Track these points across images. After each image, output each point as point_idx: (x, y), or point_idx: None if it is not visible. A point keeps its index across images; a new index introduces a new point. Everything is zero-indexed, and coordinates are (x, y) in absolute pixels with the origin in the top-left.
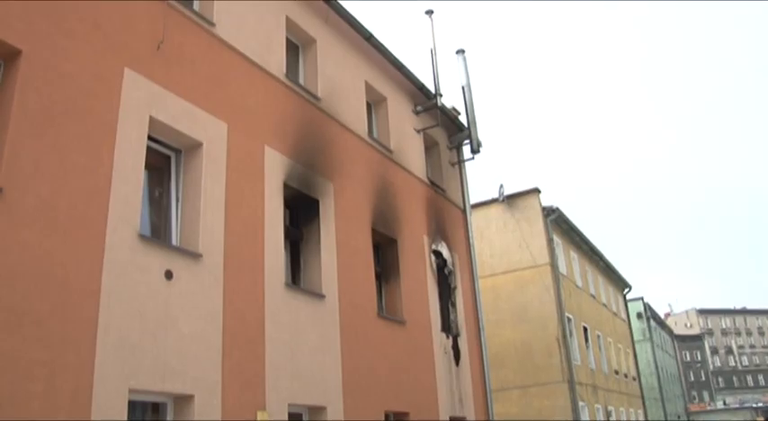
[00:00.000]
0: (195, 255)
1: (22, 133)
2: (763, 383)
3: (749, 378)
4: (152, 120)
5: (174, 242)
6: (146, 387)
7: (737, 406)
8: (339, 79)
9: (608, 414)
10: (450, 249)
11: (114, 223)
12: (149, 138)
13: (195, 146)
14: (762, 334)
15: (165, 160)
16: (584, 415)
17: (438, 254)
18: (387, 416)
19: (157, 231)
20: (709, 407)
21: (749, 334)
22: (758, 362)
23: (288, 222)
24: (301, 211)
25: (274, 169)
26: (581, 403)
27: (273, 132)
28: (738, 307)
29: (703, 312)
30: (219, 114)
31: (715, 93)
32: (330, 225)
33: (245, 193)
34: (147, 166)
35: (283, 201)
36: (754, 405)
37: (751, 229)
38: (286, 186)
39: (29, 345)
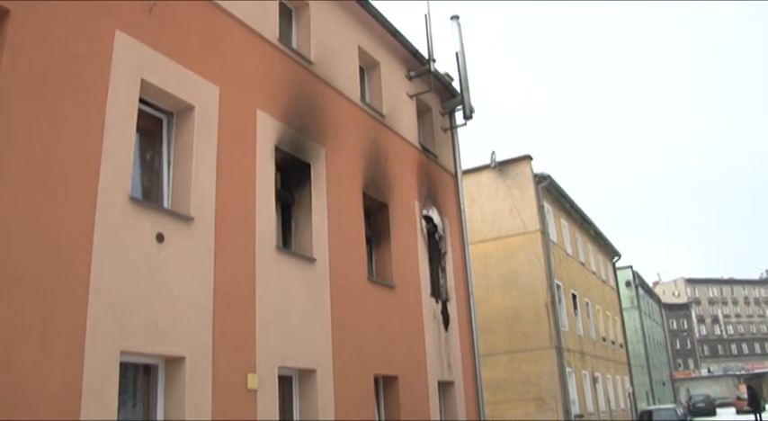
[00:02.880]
0: (186, 218)
1: (11, 95)
2: (747, 352)
3: (733, 346)
4: (144, 83)
5: (165, 205)
6: (137, 349)
7: (721, 373)
8: (332, 44)
9: (594, 380)
10: (440, 215)
11: (106, 186)
12: (141, 101)
13: (187, 109)
14: (748, 304)
15: (156, 123)
16: (571, 380)
17: (429, 219)
18: (376, 379)
19: (149, 194)
20: (693, 375)
21: (735, 303)
22: (743, 331)
23: (279, 186)
24: (293, 175)
25: (266, 133)
26: (568, 369)
27: (265, 96)
28: (726, 277)
29: (691, 282)
30: (212, 78)
31: (711, 64)
32: (321, 189)
33: (237, 157)
34: (139, 129)
35: (275, 164)
36: (738, 373)
37: (741, 201)
38: (278, 150)
39: (20, 308)
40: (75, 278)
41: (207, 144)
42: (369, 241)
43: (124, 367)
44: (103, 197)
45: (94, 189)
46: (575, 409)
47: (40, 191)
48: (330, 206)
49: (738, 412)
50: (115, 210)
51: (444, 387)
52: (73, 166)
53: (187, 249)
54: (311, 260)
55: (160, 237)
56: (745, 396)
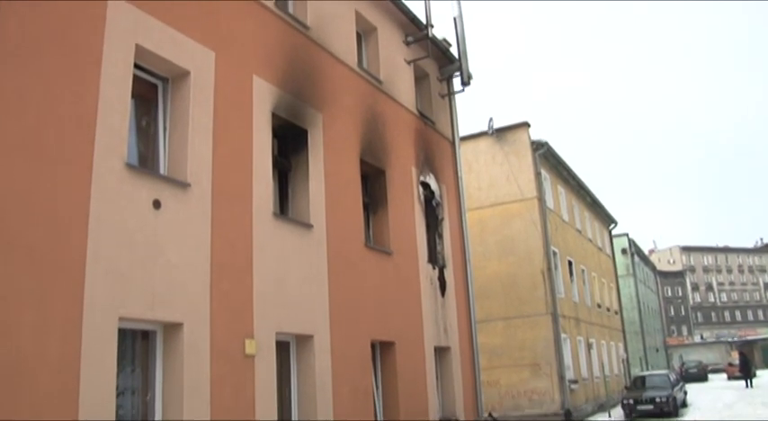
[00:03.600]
0: (183, 185)
1: (3, 61)
2: (740, 319)
3: (727, 314)
4: (138, 49)
5: (161, 171)
6: (135, 315)
7: (714, 340)
8: (329, 8)
9: (589, 346)
10: (438, 181)
11: (101, 152)
12: (136, 66)
13: (183, 74)
14: (742, 272)
15: (152, 89)
16: (566, 346)
17: (426, 185)
18: (373, 344)
19: (145, 161)
20: (686, 341)
21: (729, 271)
22: (736, 298)
23: (276, 152)
24: (290, 141)
25: (263, 99)
26: (563, 335)
27: (262, 61)
28: (721, 245)
29: (686, 249)
30: (207, 43)
31: (710, 33)
32: (318, 155)
33: (233, 123)
34: (134, 95)
35: (272, 130)
36: (730, 339)
37: (738, 170)
38: (274, 116)
39: (17, 275)
40: (71, 245)
41: (203, 110)
42: (366, 207)
43: (123, 333)
44: (99, 164)
45: (90, 155)
46: (569, 375)
47: (34, 157)
48: (327, 172)
49: (729, 378)
50: (111, 177)
51: (441, 352)
52: (68, 133)
53: (184, 216)
54: (308, 226)
55: (157, 204)
56: (737, 362)
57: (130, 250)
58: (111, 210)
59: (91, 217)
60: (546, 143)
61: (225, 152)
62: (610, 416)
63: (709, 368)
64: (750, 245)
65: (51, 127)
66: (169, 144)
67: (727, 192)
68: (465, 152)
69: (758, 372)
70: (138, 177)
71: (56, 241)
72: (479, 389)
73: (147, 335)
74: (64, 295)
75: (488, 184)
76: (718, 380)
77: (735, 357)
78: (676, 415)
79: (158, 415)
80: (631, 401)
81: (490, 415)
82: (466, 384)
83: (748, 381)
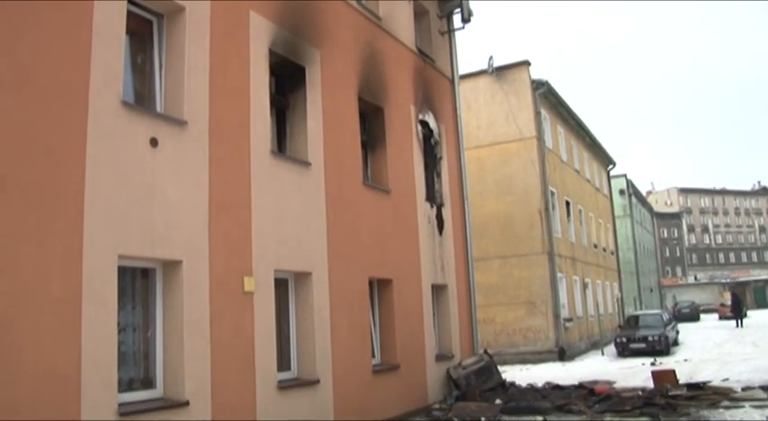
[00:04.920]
0: (180, 122)
1: None
2: (734, 261)
3: (721, 255)
4: None
5: (158, 109)
6: (134, 253)
7: (707, 281)
8: None
9: (584, 285)
10: (436, 119)
11: (96, 89)
12: (130, 1)
13: (178, 10)
14: (738, 214)
15: (146, 25)
16: (562, 286)
17: (425, 124)
18: (371, 282)
19: (141, 98)
20: (680, 282)
21: (726, 213)
22: (731, 240)
23: (273, 90)
24: (287, 79)
25: (259, 35)
26: (559, 274)
27: None
28: (718, 187)
29: (684, 191)
30: None
31: None
32: (316, 93)
33: (230, 60)
34: (129, 32)
35: (269, 68)
36: (723, 280)
37: (739, 113)
38: (272, 53)
39: (16, 213)
40: (69, 183)
41: (199, 46)
42: (364, 145)
43: (122, 271)
44: (95, 101)
45: (85, 93)
46: (564, 313)
47: (28, 95)
48: (325, 110)
49: (721, 318)
50: (107, 115)
51: (438, 290)
52: (61, 69)
53: (181, 154)
54: (306, 164)
55: (154, 142)
56: (729, 303)
57: (128, 188)
58: (107, 148)
59: (88, 155)
60: (546, 82)
61: (222, 89)
62: (603, 353)
63: (702, 308)
64: (748, 187)
65: (44, 64)
66: (165, 81)
67: (727, 135)
68: (464, 91)
69: (749, 313)
70: (134, 115)
71: (53, 179)
72: (475, 326)
73: (146, 273)
74: (63, 233)
75: (487, 123)
76: (709, 320)
77: (727, 298)
78: (668, 353)
79: (159, 351)
80: (624, 340)
81: (485, 352)
82: (462, 322)
83: (739, 321)
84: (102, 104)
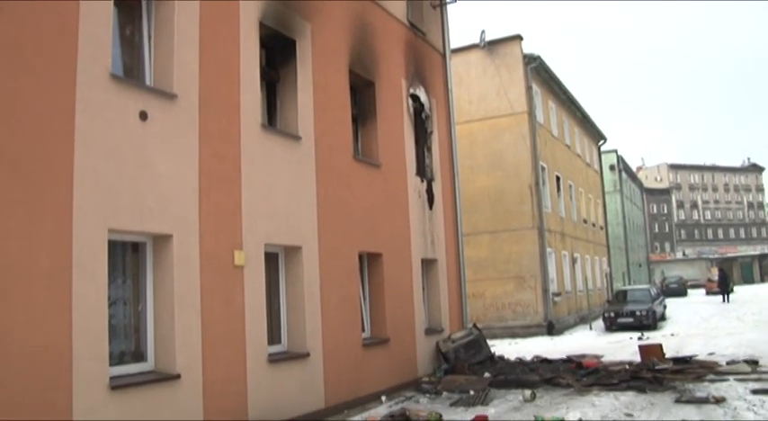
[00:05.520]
0: (170, 96)
1: None
2: (722, 236)
3: (709, 231)
4: None
5: (147, 82)
6: (124, 227)
7: (695, 257)
8: None
9: (574, 260)
10: (427, 93)
11: (84, 62)
12: None
13: None
14: (727, 190)
15: None
16: (551, 260)
17: (415, 98)
18: (361, 256)
19: (130, 71)
20: (668, 258)
21: (715, 190)
22: (720, 216)
23: (264, 63)
24: (278, 52)
25: (250, 7)
26: (549, 249)
27: None
28: (708, 163)
29: (674, 167)
30: None
31: None
32: (307, 66)
33: (220, 32)
34: (117, 3)
35: (259, 40)
36: (711, 256)
37: (729, 89)
38: (262, 25)
39: (4, 185)
40: (58, 157)
41: (188, 18)
42: (355, 119)
43: (113, 245)
44: (83, 74)
45: (73, 65)
46: (553, 288)
47: (15, 67)
48: (316, 83)
49: (708, 293)
50: (96, 88)
51: (427, 264)
52: (48, 41)
53: (171, 127)
54: (297, 138)
55: (143, 116)
56: (716, 278)
57: (118, 162)
58: (96, 121)
59: (76, 128)
60: (538, 57)
61: (212, 62)
62: (591, 328)
63: (690, 283)
64: (737, 163)
65: (30, 35)
66: (154, 54)
67: (718, 112)
68: (456, 65)
69: (735, 288)
70: (123, 88)
71: (41, 154)
72: (465, 300)
73: (137, 247)
74: (52, 208)
75: (478, 98)
76: (697, 295)
77: (714, 273)
78: (655, 328)
79: (150, 324)
80: (612, 314)
81: (475, 325)
82: (451, 296)
83: (725, 296)
84: (90, 77)
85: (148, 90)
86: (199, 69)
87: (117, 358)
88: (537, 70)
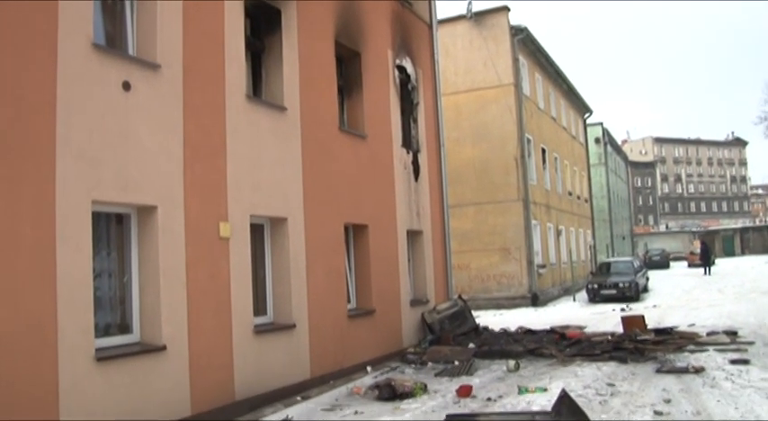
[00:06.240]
0: (153, 66)
1: None
2: (705, 210)
3: (692, 204)
4: None
5: (130, 52)
6: (108, 198)
7: (678, 230)
8: None
9: (558, 232)
10: (414, 65)
11: (65, 31)
12: None
13: None
14: (711, 164)
15: None
16: (536, 232)
17: (402, 69)
18: (346, 227)
19: (112, 41)
20: (652, 230)
21: (699, 163)
22: (703, 190)
23: (249, 33)
24: (263, 22)
25: None
26: (534, 221)
27: None
28: (693, 137)
29: (659, 140)
30: None
31: None
32: (292, 36)
33: (204, 0)
34: None
35: (244, 10)
36: (694, 229)
37: (714, 64)
38: None
39: None
40: (39, 128)
41: None
42: (340, 90)
43: (97, 217)
44: (64, 44)
45: (54, 35)
46: (538, 260)
47: None
48: (301, 54)
49: (690, 266)
50: (77, 58)
51: (413, 236)
52: (27, 11)
53: (155, 98)
54: (282, 109)
55: (126, 86)
56: (698, 251)
57: (101, 133)
58: (79, 92)
59: (58, 99)
60: (525, 28)
61: (196, 32)
62: (575, 299)
63: (672, 256)
64: (721, 138)
65: (10, 6)
66: (137, 23)
67: (703, 86)
68: (442, 36)
69: (717, 261)
70: (105, 58)
71: (23, 124)
72: (450, 272)
73: (121, 219)
74: (35, 179)
75: (465, 69)
76: (679, 268)
77: (696, 246)
78: (638, 299)
79: (135, 296)
80: (596, 286)
81: (460, 297)
82: (437, 267)
83: (707, 269)
84: (72, 47)
85: (131, 60)
86: (182, 38)
87: (102, 330)
88: (524, 42)
